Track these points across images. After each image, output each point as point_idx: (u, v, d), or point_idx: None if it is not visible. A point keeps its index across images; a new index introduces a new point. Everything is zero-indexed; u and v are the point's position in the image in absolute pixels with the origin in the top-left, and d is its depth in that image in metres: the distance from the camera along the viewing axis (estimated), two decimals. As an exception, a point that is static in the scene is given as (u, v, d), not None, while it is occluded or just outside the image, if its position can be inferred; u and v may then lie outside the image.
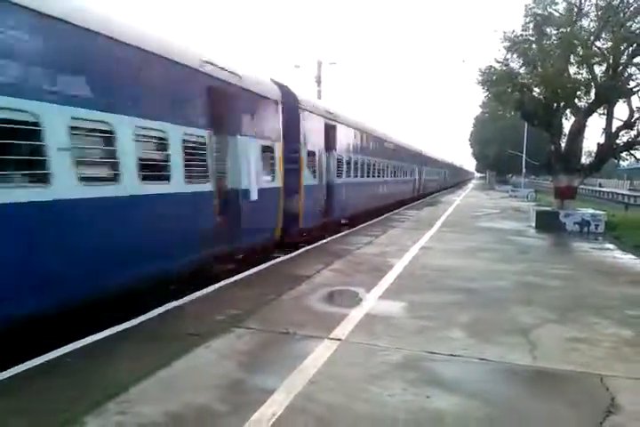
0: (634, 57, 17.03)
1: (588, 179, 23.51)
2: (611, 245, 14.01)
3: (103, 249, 6.16)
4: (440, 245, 13.18)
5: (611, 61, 16.72)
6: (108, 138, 6.19)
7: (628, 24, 16.26)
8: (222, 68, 8.80)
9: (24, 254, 5.16)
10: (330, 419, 3.91)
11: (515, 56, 18.42)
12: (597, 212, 18.08)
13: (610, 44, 16.63)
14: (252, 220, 9.69)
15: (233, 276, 8.88)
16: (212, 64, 8.44)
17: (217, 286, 8.15)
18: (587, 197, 46.46)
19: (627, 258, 11.95)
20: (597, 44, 17.08)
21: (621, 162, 24.52)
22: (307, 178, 13.06)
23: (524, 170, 49.28)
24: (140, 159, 6.69)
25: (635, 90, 17.51)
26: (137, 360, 5.10)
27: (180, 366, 4.88)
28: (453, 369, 4.97)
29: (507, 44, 18.07)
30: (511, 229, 17.36)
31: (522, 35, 17.82)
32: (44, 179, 5.26)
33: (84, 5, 6.15)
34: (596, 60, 16.88)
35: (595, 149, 18.81)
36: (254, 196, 9.68)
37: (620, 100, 17.79)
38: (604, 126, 18.19)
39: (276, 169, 11.07)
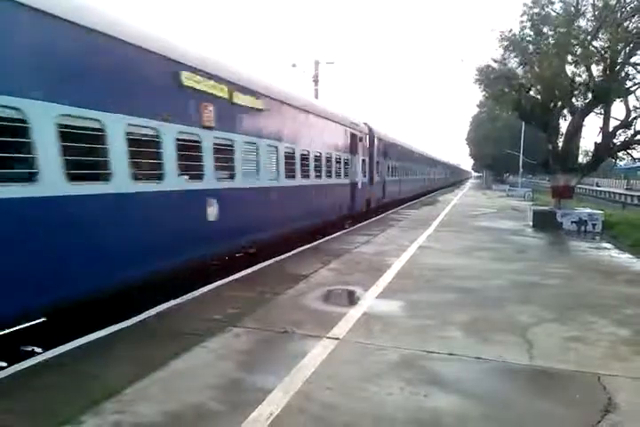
0: (631, 57, 17.04)
1: (584, 178, 23.51)
2: (608, 245, 14.03)
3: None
4: (438, 244, 13.19)
5: (608, 61, 16.75)
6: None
7: (625, 24, 16.27)
8: (354, 124, 18.03)
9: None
10: (328, 418, 3.91)
11: (512, 55, 18.44)
12: (594, 211, 18.11)
13: (607, 43, 16.65)
14: (361, 198, 18.82)
15: (234, 273, 8.89)
16: (353, 123, 17.93)
17: (214, 285, 8.15)
18: (584, 197, 46.59)
19: (624, 257, 11.97)
20: (594, 43, 17.11)
21: (618, 161, 24.52)
22: (376, 177, 21.40)
23: (521, 169, 49.31)
24: (318, 168, 14.23)
25: (632, 89, 17.54)
26: (134, 360, 5.10)
27: (177, 366, 4.87)
28: (451, 368, 4.98)
29: (504, 43, 18.08)
30: (508, 229, 17.38)
31: (519, 34, 17.83)
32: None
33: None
34: (593, 59, 16.90)
35: (592, 148, 18.84)
36: (360, 186, 18.59)
37: (617, 100, 17.82)
38: (601, 126, 18.23)
39: (366, 171, 19.78)
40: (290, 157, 11.84)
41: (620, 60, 16.83)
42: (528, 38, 17.70)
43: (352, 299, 7.50)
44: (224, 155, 8.87)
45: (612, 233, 16.50)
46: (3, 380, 4.54)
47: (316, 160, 13.75)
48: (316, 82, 29.62)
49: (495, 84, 18.65)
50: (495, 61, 18.61)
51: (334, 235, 14.86)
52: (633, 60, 17.25)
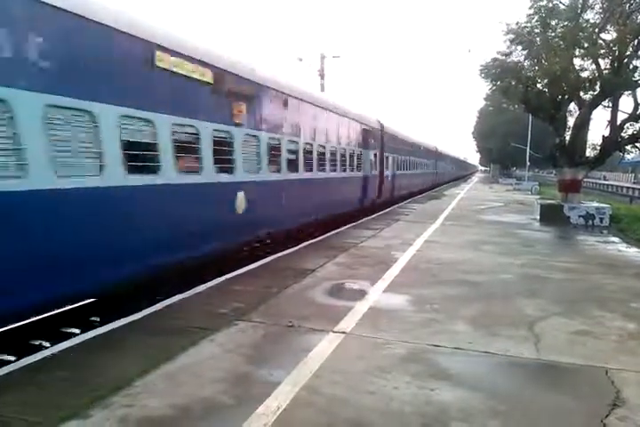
0: (639, 49, 16.90)
1: (592, 172, 23.38)
2: (615, 239, 13.97)
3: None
4: (444, 238, 13.16)
5: (616, 54, 16.60)
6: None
7: (634, 16, 16.13)
8: (367, 120, 19.31)
9: None
10: (335, 412, 3.91)
11: (518, 48, 18.33)
12: (602, 205, 18.03)
13: (615, 36, 16.50)
14: (372, 190, 19.87)
15: (242, 267, 8.90)
16: (366, 119, 19.06)
17: (220, 279, 8.16)
18: (591, 191, 46.36)
19: (632, 251, 11.92)
20: (602, 36, 16.97)
21: (626, 155, 24.37)
22: (386, 171, 22.08)
23: (527, 163, 49.14)
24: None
25: (640, 82, 17.40)
26: (141, 353, 5.12)
27: (184, 360, 4.89)
28: (458, 362, 4.97)
29: (510, 36, 17.97)
30: (515, 223, 17.33)
31: (526, 27, 17.70)
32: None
33: None
34: (601, 52, 16.76)
35: (599, 141, 18.72)
36: (371, 179, 19.59)
37: (625, 93, 17.69)
38: (608, 119, 18.11)
39: (377, 165, 20.60)
40: (308, 151, 12.86)
41: (628, 53, 16.69)
42: (536, 31, 17.57)
43: (358, 293, 7.50)
44: (252, 150, 9.94)
45: (620, 227, 16.44)
46: (11, 373, 4.56)
47: (331, 154, 14.74)
48: (322, 76, 29.57)
49: (502, 78, 18.55)
50: (502, 55, 18.50)
51: (340, 229, 14.85)
52: (641, 52, 17.11)
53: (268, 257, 10.13)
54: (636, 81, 17.27)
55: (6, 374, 4.56)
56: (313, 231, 13.95)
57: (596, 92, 17.66)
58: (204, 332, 5.64)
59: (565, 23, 16.94)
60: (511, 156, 59.01)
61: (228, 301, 6.91)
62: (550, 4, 17.47)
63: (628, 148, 19.52)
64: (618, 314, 6.57)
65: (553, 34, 17.40)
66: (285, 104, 11.35)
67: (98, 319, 7.13)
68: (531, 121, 38.81)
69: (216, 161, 8.42)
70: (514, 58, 18.50)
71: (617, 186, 58.61)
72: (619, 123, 17.93)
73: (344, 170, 15.98)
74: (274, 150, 10.75)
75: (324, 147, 13.93)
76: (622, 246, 12.62)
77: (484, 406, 4.05)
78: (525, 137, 44.03)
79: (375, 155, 20.16)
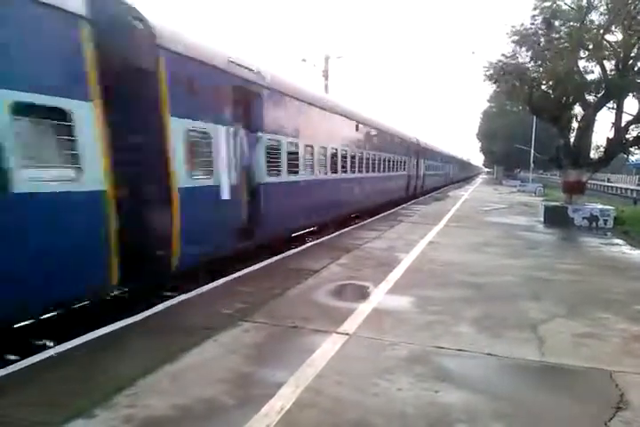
0: (644, 51, 16.85)
1: (596, 174, 23.32)
2: (620, 241, 13.93)
3: None
4: (448, 239, 13.14)
5: (621, 55, 16.56)
6: None
7: (639, 17, 16.07)
8: (410, 137, 28.26)
9: None
10: (339, 413, 3.91)
11: (523, 50, 18.29)
12: (606, 207, 17.97)
13: (620, 37, 16.47)
14: (412, 185, 28.47)
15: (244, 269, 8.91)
16: (409, 137, 28.13)
17: (224, 279, 8.17)
18: (595, 192, 46.19)
19: (636, 253, 11.89)
20: (607, 37, 16.92)
21: (630, 157, 24.31)
22: (419, 172, 30.46)
23: (532, 165, 49.03)
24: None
25: (645, 84, 17.34)
26: (144, 354, 5.13)
27: (187, 360, 4.89)
28: (462, 364, 4.97)
29: (515, 37, 17.94)
30: (519, 224, 17.30)
31: (530, 28, 17.67)
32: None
33: None
34: (606, 54, 16.72)
35: (604, 143, 18.69)
36: (410, 177, 27.95)
37: (630, 95, 17.64)
38: (613, 120, 18.06)
39: (413, 167, 28.43)
40: (389, 159, 22.14)
41: (633, 54, 16.65)
42: (540, 32, 17.53)
43: (362, 294, 7.49)
44: (376, 162, 19.80)
45: (624, 229, 16.38)
46: (15, 373, 4.57)
47: (395, 161, 23.68)
48: (325, 77, 29.57)
49: (506, 79, 18.52)
50: (506, 56, 18.47)
51: (344, 230, 14.85)
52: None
53: (272, 258, 10.12)
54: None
55: (10, 373, 4.56)
56: (385, 208, 21.60)
57: (600, 94, 17.61)
58: (207, 332, 5.64)
59: (570, 24, 16.90)
60: (515, 157, 58.83)
61: (231, 301, 6.91)
62: (554, 5, 17.43)
63: (633, 149, 19.46)
64: (622, 316, 6.56)
65: (557, 35, 17.36)
66: (383, 135, 21.41)
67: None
68: (535, 122, 38.71)
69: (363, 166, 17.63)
70: (518, 59, 18.46)
71: (620, 188, 58.42)
72: (623, 124, 17.88)
73: (396, 170, 24.35)
74: (384, 162, 21.10)
75: (392, 157, 22.82)
76: (626, 248, 12.59)
77: (488, 408, 4.05)
78: (529, 138, 43.92)
79: (411, 160, 28.36)
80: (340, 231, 14.58)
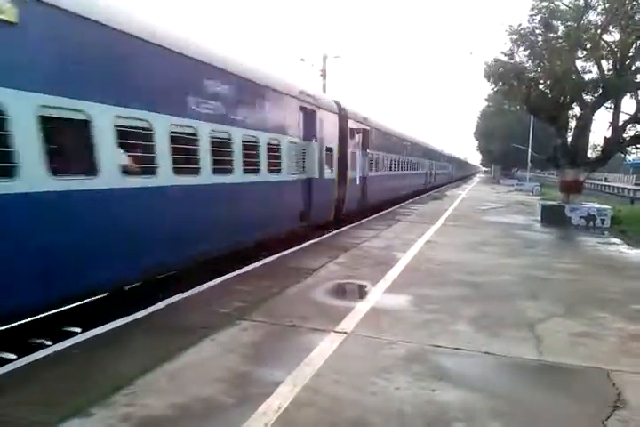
0: (641, 50, 16.87)
1: (593, 173, 23.36)
2: (617, 240, 13.97)
3: None
4: (445, 239, 13.16)
5: (618, 55, 16.59)
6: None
7: (637, 17, 16.10)
8: (429, 143, 41.98)
9: None
10: (336, 411, 3.92)
11: (521, 49, 18.31)
12: (603, 206, 18.01)
13: (618, 37, 16.49)
14: (428, 180, 38.55)
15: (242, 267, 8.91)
16: (428, 144, 40.63)
17: (222, 278, 8.16)
18: (592, 192, 46.29)
19: (633, 253, 11.92)
20: (605, 37, 16.94)
21: (628, 156, 24.35)
22: (431, 170, 40.01)
23: (529, 164, 49.08)
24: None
25: (642, 84, 17.37)
26: (142, 353, 5.13)
27: (185, 359, 4.89)
28: (459, 363, 4.98)
29: (512, 37, 17.95)
30: (516, 224, 17.33)
31: (528, 27, 17.68)
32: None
33: None
34: (604, 53, 16.75)
35: (601, 142, 18.72)
36: (427, 173, 37.87)
37: (628, 94, 17.67)
38: (610, 120, 18.09)
39: (427, 166, 37.76)
40: (401, 161, 26.17)
41: (630, 54, 16.67)
42: (537, 31, 17.55)
43: (360, 293, 7.51)
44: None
45: (621, 228, 16.42)
46: (13, 372, 4.56)
47: (416, 163, 30.85)
48: (324, 76, 29.57)
49: (504, 79, 18.53)
50: (504, 55, 18.49)
51: (341, 229, 14.86)
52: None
53: (270, 257, 10.12)
54: (639, 82, 17.25)
55: (7, 372, 4.56)
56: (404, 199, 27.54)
57: (598, 94, 17.64)
58: (205, 331, 5.63)
59: (568, 24, 16.92)
60: (513, 156, 58.88)
61: (229, 300, 6.91)
62: (552, 5, 17.44)
63: (630, 149, 19.50)
64: (619, 316, 6.57)
65: (555, 35, 17.38)
66: (414, 145, 30.26)
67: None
68: (532, 122, 38.76)
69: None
70: (516, 58, 18.48)
71: (618, 187, 58.54)
72: (620, 124, 17.91)
73: (416, 169, 31.41)
74: (414, 164, 29.61)
75: (418, 160, 31.31)
76: (623, 248, 12.62)
77: (486, 406, 4.06)
78: (527, 138, 43.96)
79: (428, 162, 36.81)
80: (339, 230, 14.60)
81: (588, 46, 16.44)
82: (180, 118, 7.35)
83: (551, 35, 17.36)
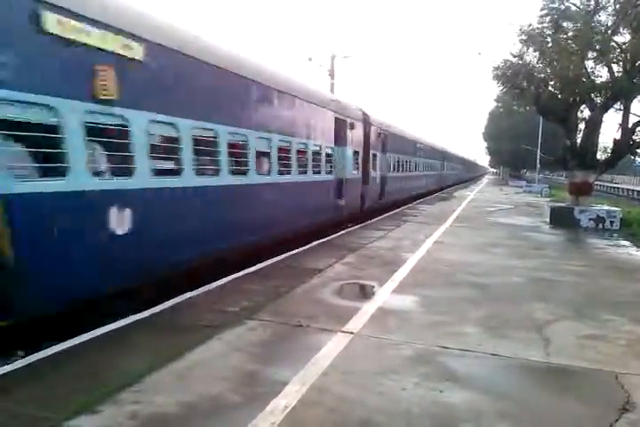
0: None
1: (601, 175, 23.25)
2: (626, 242, 13.87)
3: None
4: (453, 240, 13.13)
5: (628, 57, 16.48)
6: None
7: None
8: (462, 155, 67.44)
9: None
10: (343, 411, 3.92)
11: (530, 50, 18.22)
12: (612, 208, 17.89)
13: (628, 39, 16.39)
14: (454, 178, 54.69)
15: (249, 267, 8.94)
16: (461, 156, 64.75)
17: (230, 278, 8.19)
18: (601, 194, 46.01)
19: (642, 255, 11.83)
20: (615, 38, 16.83)
21: (637, 158, 24.22)
22: (453, 171, 53.16)
23: (538, 165, 48.84)
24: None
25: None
26: (150, 351, 5.16)
27: (193, 358, 4.91)
28: (466, 364, 4.96)
29: (522, 37, 17.87)
30: (525, 225, 17.26)
31: (538, 28, 17.59)
32: None
33: None
34: (614, 55, 16.64)
35: (610, 144, 18.60)
36: (451, 173, 51.21)
37: (638, 96, 17.55)
38: (620, 122, 17.98)
39: (455, 169, 54.68)
40: (415, 163, 28.01)
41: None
42: (547, 32, 17.46)
43: (367, 294, 7.50)
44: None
45: (630, 231, 16.32)
46: (20, 369, 4.60)
47: (431, 165, 34.47)
48: (332, 76, 29.57)
49: (513, 80, 18.46)
50: (514, 56, 18.41)
51: (349, 229, 14.86)
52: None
53: (277, 257, 10.14)
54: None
55: (16, 369, 4.59)
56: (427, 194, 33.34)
57: (607, 95, 17.53)
58: (212, 330, 5.65)
59: (578, 25, 16.83)
60: (521, 158, 58.68)
61: (237, 299, 6.92)
62: (562, 6, 17.36)
63: (640, 151, 19.35)
64: (628, 318, 6.53)
65: (565, 36, 17.29)
66: (432, 149, 35.39)
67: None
68: (541, 123, 38.58)
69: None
70: (526, 59, 18.40)
71: (627, 189, 58.18)
72: (630, 126, 17.80)
73: (454, 169, 46.20)
74: (430, 165, 33.70)
75: (433, 162, 34.46)
76: (633, 250, 12.53)
77: (493, 408, 4.05)
78: (536, 139, 43.76)
79: (440, 163, 39.48)
80: (346, 230, 14.59)
81: (598, 47, 16.32)
82: (261, 132, 9.58)
83: (562, 35, 17.25)
